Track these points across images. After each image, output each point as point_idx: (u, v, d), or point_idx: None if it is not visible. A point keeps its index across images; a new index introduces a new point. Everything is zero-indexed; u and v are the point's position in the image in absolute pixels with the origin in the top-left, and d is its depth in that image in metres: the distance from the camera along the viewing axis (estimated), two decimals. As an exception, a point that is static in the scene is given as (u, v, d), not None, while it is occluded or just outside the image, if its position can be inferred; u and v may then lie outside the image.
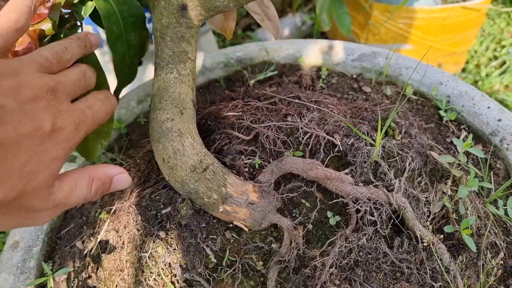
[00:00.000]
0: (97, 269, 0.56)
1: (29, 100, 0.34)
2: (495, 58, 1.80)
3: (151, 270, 0.50)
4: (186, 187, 0.49)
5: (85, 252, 0.59)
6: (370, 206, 0.49)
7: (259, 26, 2.01)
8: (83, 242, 0.62)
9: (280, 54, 0.79)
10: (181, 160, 0.49)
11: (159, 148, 0.50)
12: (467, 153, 0.61)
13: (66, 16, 0.47)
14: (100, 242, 0.58)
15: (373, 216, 0.49)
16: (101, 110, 0.41)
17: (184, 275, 0.48)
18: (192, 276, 0.47)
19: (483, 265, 0.51)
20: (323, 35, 1.79)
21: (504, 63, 1.77)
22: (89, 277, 0.57)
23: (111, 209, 0.58)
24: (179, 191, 0.51)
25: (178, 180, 0.49)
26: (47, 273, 0.58)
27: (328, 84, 0.75)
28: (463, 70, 1.77)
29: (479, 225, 0.54)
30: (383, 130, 0.53)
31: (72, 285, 0.58)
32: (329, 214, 0.51)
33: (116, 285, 0.53)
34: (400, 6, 1.28)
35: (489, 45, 1.85)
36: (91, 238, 0.60)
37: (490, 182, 0.59)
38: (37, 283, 0.58)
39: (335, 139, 0.55)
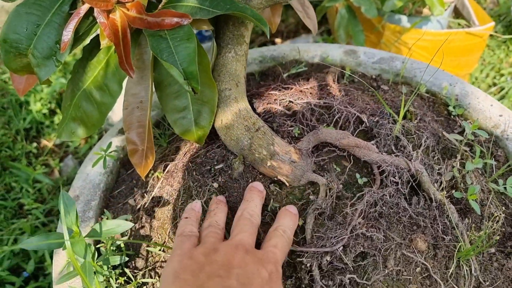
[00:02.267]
0: (150, 220, 0.65)
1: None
2: (494, 85, 1.93)
3: (205, 215, 0.59)
4: (240, 144, 0.58)
5: (138, 207, 0.68)
6: (392, 169, 0.58)
7: (273, 43, 2.14)
8: (135, 200, 0.70)
9: (309, 54, 0.90)
10: (237, 121, 0.58)
11: (218, 111, 0.59)
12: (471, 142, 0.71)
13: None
14: (153, 198, 0.67)
15: (395, 177, 0.58)
16: (284, 245, 0.51)
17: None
18: (242, 218, 0.56)
19: (485, 230, 0.60)
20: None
21: (502, 89, 1.89)
22: (142, 227, 0.65)
23: (167, 166, 0.67)
24: (233, 149, 0.60)
25: (234, 138, 0.59)
26: (107, 217, 0.66)
27: (351, 82, 0.85)
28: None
29: (482, 197, 0.63)
30: (403, 113, 0.63)
31: (126, 234, 0.66)
32: (357, 175, 0.61)
33: (169, 232, 0.62)
34: (409, 28, 1.41)
35: (489, 73, 1.97)
36: (144, 195, 0.69)
37: (491, 166, 0.69)
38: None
39: (363, 117, 0.65)
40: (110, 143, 0.71)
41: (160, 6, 0.58)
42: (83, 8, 0.54)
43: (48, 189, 1.57)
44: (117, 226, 0.54)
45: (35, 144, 1.72)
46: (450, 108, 0.78)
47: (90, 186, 0.72)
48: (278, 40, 2.15)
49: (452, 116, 0.78)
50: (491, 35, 2.17)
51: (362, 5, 1.29)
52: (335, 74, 0.84)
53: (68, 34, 0.54)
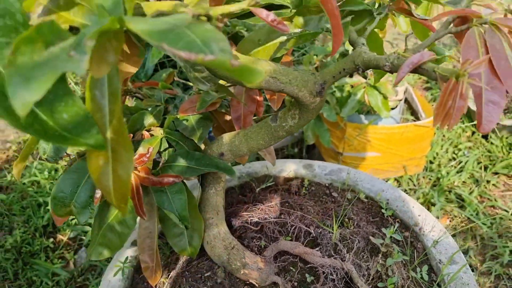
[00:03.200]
0: (159, 316, 0.87)
1: None
2: (454, 159, 2.19)
3: (198, 312, 0.81)
4: (221, 259, 0.82)
5: (149, 306, 0.90)
6: (331, 270, 0.82)
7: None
8: (146, 300, 0.93)
9: (276, 169, 1.16)
10: (218, 242, 0.82)
11: (205, 235, 0.84)
12: (397, 239, 0.95)
13: (157, 160, 0.84)
14: (160, 298, 0.89)
15: (332, 275, 0.81)
16: None
17: (220, 313, 0.79)
18: (225, 313, 0.79)
19: (404, 308, 0.82)
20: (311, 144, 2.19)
21: (460, 162, 2.15)
22: (153, 322, 0.88)
23: (169, 275, 0.90)
24: (216, 262, 0.84)
25: (216, 254, 0.82)
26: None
27: (309, 190, 1.10)
28: (428, 168, 2.15)
29: (403, 284, 0.86)
30: (338, 223, 0.87)
31: (141, 328, 0.88)
32: (307, 275, 0.84)
33: (173, 325, 0.84)
34: (367, 125, 1.69)
35: (448, 148, 2.25)
36: (154, 296, 0.91)
37: (413, 257, 0.92)
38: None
39: (311, 229, 0.89)
40: (127, 257, 0.94)
41: (160, 164, 0.84)
42: (109, 174, 0.80)
43: (65, 280, 1.77)
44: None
45: (51, 239, 1.94)
46: (383, 210, 1.02)
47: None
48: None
49: (385, 216, 1.02)
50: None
51: (324, 112, 1.58)
52: (296, 186, 1.10)
53: (99, 192, 0.79)
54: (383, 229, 0.96)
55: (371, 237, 0.90)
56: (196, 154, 0.83)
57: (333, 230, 0.89)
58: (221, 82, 0.75)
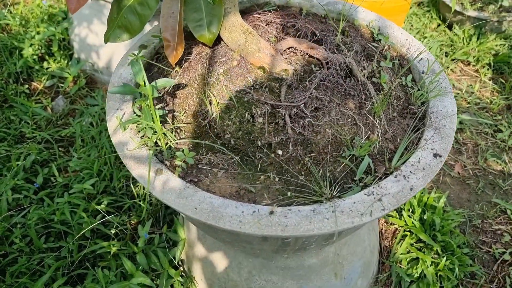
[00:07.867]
0: (173, 100, 0.95)
1: None
2: (419, 45, 2.34)
3: (215, 89, 0.90)
4: (238, 42, 0.89)
5: (162, 93, 0.97)
6: (334, 61, 0.92)
7: None
8: (159, 92, 1.00)
9: (276, -2, 1.22)
10: (236, 27, 0.89)
11: (223, 22, 0.90)
12: (387, 56, 1.07)
13: None
14: (174, 85, 0.97)
15: (335, 65, 0.92)
16: None
17: (236, 89, 0.88)
18: (242, 90, 0.88)
19: (389, 100, 0.95)
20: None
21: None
22: (167, 105, 0.95)
23: (182, 66, 0.97)
24: (233, 47, 0.91)
25: (234, 38, 0.90)
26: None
27: (307, 17, 1.18)
28: (395, 52, 2.29)
29: (390, 86, 0.99)
30: (341, 27, 0.97)
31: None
32: (312, 66, 0.94)
33: (188, 105, 0.93)
34: (351, -10, 1.75)
35: (415, 35, 2.39)
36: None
37: (399, 71, 1.05)
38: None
39: (316, 32, 0.98)
40: (141, 49, 0.99)
41: None
42: None
43: (44, 122, 1.80)
44: (166, 82, 0.84)
45: (26, 86, 1.93)
46: (374, 35, 1.13)
47: (124, 82, 1.01)
48: None
49: (375, 41, 1.13)
50: (418, 4, 2.58)
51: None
52: (296, 12, 1.17)
53: (128, -37, 0.82)
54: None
55: (368, 43, 1.01)
56: None
57: (336, 34, 0.98)
58: None
